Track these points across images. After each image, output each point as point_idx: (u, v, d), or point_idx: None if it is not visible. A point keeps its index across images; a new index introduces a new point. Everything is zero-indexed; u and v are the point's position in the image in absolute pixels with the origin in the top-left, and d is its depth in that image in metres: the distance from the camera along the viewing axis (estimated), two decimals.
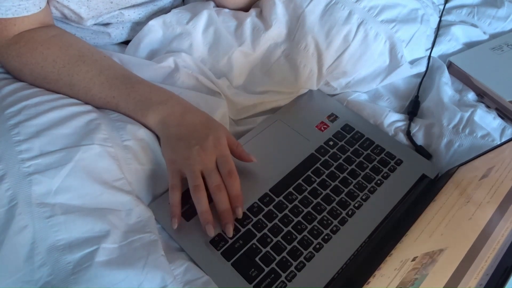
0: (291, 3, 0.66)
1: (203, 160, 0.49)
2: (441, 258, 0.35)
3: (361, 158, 0.58)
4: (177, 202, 0.49)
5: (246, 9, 0.70)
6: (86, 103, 0.52)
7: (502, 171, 0.42)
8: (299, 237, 0.49)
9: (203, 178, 0.49)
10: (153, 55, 0.64)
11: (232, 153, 0.52)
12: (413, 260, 0.38)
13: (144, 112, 0.52)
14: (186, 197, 0.50)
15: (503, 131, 0.62)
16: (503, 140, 0.61)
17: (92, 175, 0.45)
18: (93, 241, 0.41)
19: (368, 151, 0.59)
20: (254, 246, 0.48)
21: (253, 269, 0.46)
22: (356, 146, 0.60)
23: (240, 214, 0.49)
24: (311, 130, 0.62)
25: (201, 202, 0.48)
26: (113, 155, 0.47)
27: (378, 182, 0.56)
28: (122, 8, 0.62)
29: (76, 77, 0.52)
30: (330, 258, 0.48)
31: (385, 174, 0.56)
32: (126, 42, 0.67)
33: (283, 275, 0.46)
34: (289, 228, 0.50)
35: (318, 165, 0.57)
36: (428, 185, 0.56)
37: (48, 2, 0.55)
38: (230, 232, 0.48)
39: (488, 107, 0.66)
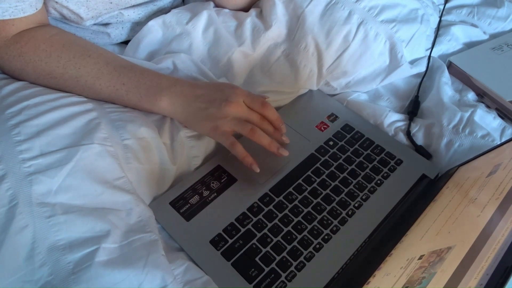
0: (291, 3, 0.66)
1: (237, 109, 0.52)
2: (449, 256, 0.35)
3: (361, 158, 0.58)
4: (245, 153, 0.52)
5: (246, 9, 0.70)
6: (92, 95, 0.53)
7: (502, 171, 0.42)
8: (299, 237, 0.49)
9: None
10: (152, 56, 0.64)
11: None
12: (420, 258, 0.38)
13: (157, 97, 0.53)
14: (186, 197, 0.50)
15: (503, 131, 0.62)
16: (503, 140, 0.61)
17: (92, 175, 0.45)
18: (94, 241, 0.41)
19: (368, 151, 0.59)
20: (254, 246, 0.48)
21: (253, 269, 0.46)
22: (356, 146, 0.60)
23: (285, 129, 0.56)
24: (311, 130, 0.62)
25: (264, 138, 0.52)
26: (113, 154, 0.47)
27: (378, 182, 0.56)
28: (121, 9, 0.62)
29: (83, 69, 0.52)
30: (330, 258, 0.48)
31: (385, 174, 0.57)
32: (125, 42, 0.67)
33: (283, 275, 0.46)
34: (289, 228, 0.50)
35: (318, 165, 0.57)
36: (428, 185, 0.56)
37: (44, 3, 0.55)
38: (284, 152, 0.53)
39: (488, 107, 0.66)
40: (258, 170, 0.52)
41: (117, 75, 0.53)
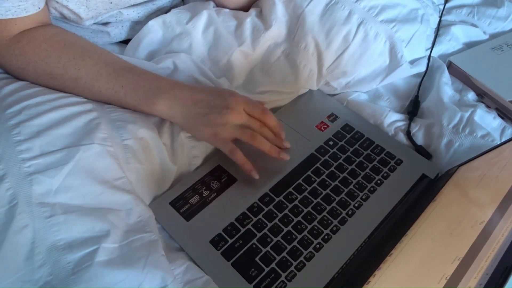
0: (291, 3, 0.66)
1: (238, 116, 0.52)
2: (449, 256, 0.35)
3: (361, 158, 0.58)
4: (245, 159, 0.53)
5: (246, 9, 0.70)
6: (91, 96, 0.53)
7: (502, 171, 0.42)
8: (299, 237, 0.49)
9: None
10: (152, 55, 0.64)
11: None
12: (421, 258, 0.38)
13: (155, 100, 0.52)
14: (186, 197, 0.50)
15: (503, 131, 0.62)
16: (503, 140, 0.61)
17: (92, 175, 0.45)
18: (93, 241, 0.41)
19: (368, 151, 0.59)
20: (254, 246, 0.48)
21: (253, 269, 0.46)
22: (356, 146, 0.60)
23: (284, 135, 0.56)
24: (311, 130, 0.62)
25: (265, 144, 0.53)
26: (113, 154, 0.47)
27: (378, 182, 0.56)
28: (121, 8, 0.62)
29: (83, 70, 0.52)
30: (330, 258, 0.48)
31: (385, 174, 0.56)
32: (125, 42, 0.68)
33: (283, 275, 0.46)
34: (289, 228, 0.50)
35: (318, 165, 0.57)
36: (428, 185, 0.56)
37: (46, 3, 0.55)
38: (285, 156, 0.54)
39: (488, 107, 0.66)
40: (257, 177, 0.53)
41: (116, 77, 0.52)
